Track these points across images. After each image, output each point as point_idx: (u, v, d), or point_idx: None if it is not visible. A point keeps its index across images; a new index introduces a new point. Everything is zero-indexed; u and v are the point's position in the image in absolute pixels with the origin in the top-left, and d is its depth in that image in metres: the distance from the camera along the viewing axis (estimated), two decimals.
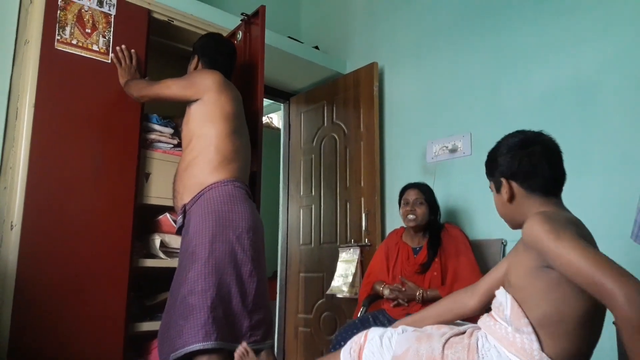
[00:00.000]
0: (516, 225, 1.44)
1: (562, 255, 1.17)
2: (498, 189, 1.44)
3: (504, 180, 1.41)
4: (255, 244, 2.04)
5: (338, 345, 2.38)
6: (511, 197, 1.40)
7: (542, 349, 1.22)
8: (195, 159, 2.11)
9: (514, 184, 1.39)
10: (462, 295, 1.63)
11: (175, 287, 1.98)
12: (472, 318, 1.59)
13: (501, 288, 1.40)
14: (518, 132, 1.45)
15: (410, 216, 2.59)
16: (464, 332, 1.45)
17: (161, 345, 1.95)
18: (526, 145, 1.39)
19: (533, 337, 1.24)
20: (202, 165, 2.09)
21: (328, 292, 3.36)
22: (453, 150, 3.04)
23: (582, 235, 1.21)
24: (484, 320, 1.41)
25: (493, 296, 1.54)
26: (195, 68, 2.38)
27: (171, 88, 2.22)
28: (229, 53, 2.42)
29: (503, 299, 1.35)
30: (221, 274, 1.91)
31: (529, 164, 1.37)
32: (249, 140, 2.31)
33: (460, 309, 1.60)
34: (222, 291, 1.89)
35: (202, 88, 2.16)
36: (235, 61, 2.47)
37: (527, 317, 1.26)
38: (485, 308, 1.58)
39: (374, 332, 1.55)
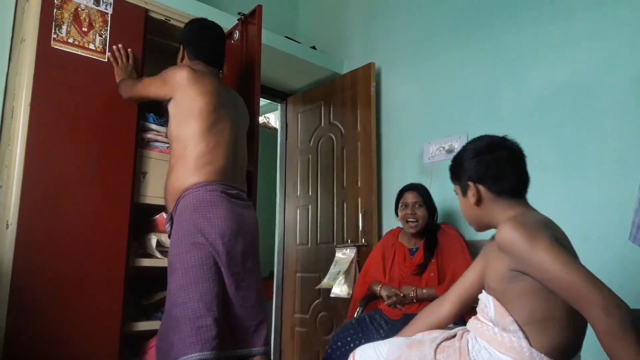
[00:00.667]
0: (482, 227, 1.48)
1: (539, 263, 1.20)
2: (464, 193, 1.47)
3: (471, 184, 1.43)
4: (233, 249, 1.98)
5: (334, 345, 2.39)
6: (478, 201, 1.43)
7: (531, 345, 1.25)
8: (175, 164, 2.07)
9: (482, 188, 1.42)
10: (435, 305, 1.65)
11: (167, 298, 1.98)
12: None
13: (483, 291, 1.42)
14: (483, 136, 1.48)
15: (411, 220, 2.59)
16: (454, 336, 1.46)
17: (158, 352, 1.95)
18: (492, 150, 1.41)
19: (520, 334, 1.26)
20: (179, 171, 2.04)
21: (318, 286, 3.38)
22: (450, 151, 3.05)
23: (556, 237, 1.24)
24: (471, 322, 1.43)
25: (465, 303, 1.58)
26: (182, 59, 2.30)
27: (148, 88, 2.18)
28: (215, 37, 2.30)
29: (486, 301, 1.38)
30: (200, 283, 1.88)
31: (496, 168, 1.39)
32: (235, 132, 2.19)
33: (434, 319, 1.61)
34: (202, 300, 1.86)
35: (173, 85, 2.09)
36: (225, 45, 2.36)
37: (511, 315, 1.28)
38: (460, 315, 1.61)
39: (361, 349, 1.59)
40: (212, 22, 2.35)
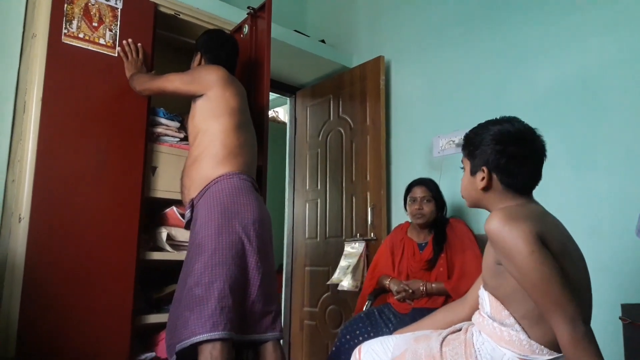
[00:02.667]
0: (475, 206, 1.44)
1: (516, 258, 1.19)
2: (474, 173, 1.41)
3: (485, 169, 1.38)
4: (261, 236, 2.04)
5: (343, 338, 2.39)
6: (487, 188, 1.38)
7: (530, 337, 1.25)
8: (201, 153, 2.12)
9: (495, 177, 1.37)
10: (457, 305, 1.65)
11: (183, 278, 1.99)
12: None
13: (481, 287, 1.43)
14: (512, 120, 1.40)
15: (419, 215, 2.59)
16: (459, 329, 1.48)
17: (168, 335, 1.96)
18: (519, 142, 1.35)
19: (517, 327, 1.26)
20: (208, 160, 2.10)
21: (328, 282, 3.38)
22: (459, 145, 3.02)
23: (541, 234, 1.21)
24: (475, 316, 1.44)
25: None
26: (199, 65, 2.38)
27: (174, 82, 2.23)
28: (232, 49, 2.42)
29: (483, 296, 1.39)
30: (228, 265, 1.91)
31: (515, 163, 1.34)
32: (255, 135, 2.31)
33: (455, 317, 1.61)
34: (228, 282, 1.89)
35: (206, 84, 2.17)
36: (238, 57, 2.46)
37: (507, 309, 1.29)
38: None
39: (368, 344, 1.60)
40: (230, 35, 2.52)
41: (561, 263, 1.20)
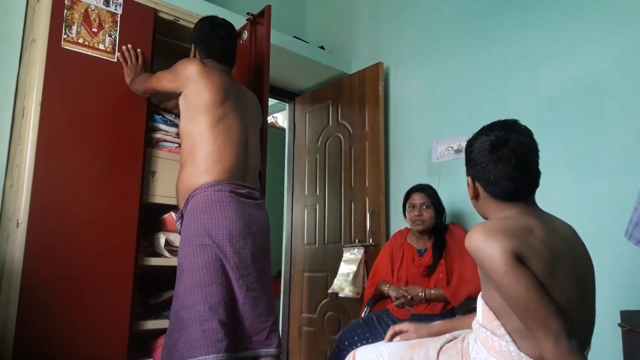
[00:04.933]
0: (483, 216, 1.46)
1: (495, 276, 1.19)
2: (468, 183, 1.46)
3: (469, 180, 1.42)
4: (239, 251, 1.96)
5: (342, 344, 2.39)
6: (475, 196, 1.42)
7: (520, 350, 1.24)
8: (185, 162, 2.08)
9: (478, 186, 1.39)
10: None
11: (173, 297, 1.98)
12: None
13: (479, 295, 1.42)
14: (493, 128, 1.37)
15: (418, 221, 2.59)
16: (457, 337, 1.47)
17: (164, 347, 1.96)
18: (495, 149, 1.32)
19: (507, 338, 1.26)
20: (188, 170, 2.05)
21: (330, 290, 3.37)
22: (458, 151, 3.04)
23: (520, 251, 1.19)
24: (473, 322, 1.43)
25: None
26: (193, 57, 2.32)
27: (161, 81, 2.19)
28: (226, 35, 2.30)
29: (477, 304, 1.39)
30: (206, 285, 1.88)
31: (493, 172, 1.32)
32: (244, 127, 2.18)
33: None
34: (208, 303, 1.86)
35: (183, 79, 2.11)
36: (236, 41, 2.37)
37: (499, 320, 1.28)
38: None
39: (362, 351, 1.59)
40: (223, 20, 2.36)
41: (545, 280, 1.18)
